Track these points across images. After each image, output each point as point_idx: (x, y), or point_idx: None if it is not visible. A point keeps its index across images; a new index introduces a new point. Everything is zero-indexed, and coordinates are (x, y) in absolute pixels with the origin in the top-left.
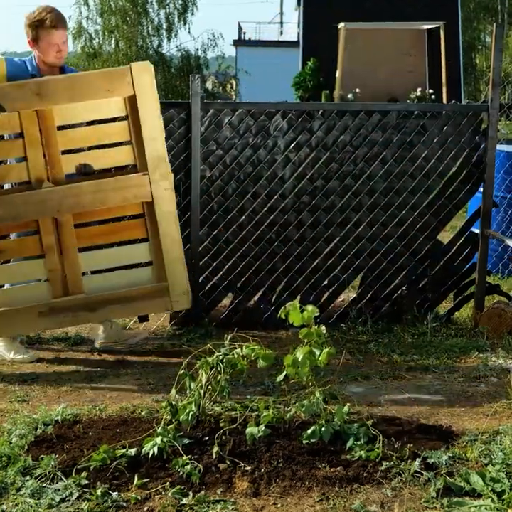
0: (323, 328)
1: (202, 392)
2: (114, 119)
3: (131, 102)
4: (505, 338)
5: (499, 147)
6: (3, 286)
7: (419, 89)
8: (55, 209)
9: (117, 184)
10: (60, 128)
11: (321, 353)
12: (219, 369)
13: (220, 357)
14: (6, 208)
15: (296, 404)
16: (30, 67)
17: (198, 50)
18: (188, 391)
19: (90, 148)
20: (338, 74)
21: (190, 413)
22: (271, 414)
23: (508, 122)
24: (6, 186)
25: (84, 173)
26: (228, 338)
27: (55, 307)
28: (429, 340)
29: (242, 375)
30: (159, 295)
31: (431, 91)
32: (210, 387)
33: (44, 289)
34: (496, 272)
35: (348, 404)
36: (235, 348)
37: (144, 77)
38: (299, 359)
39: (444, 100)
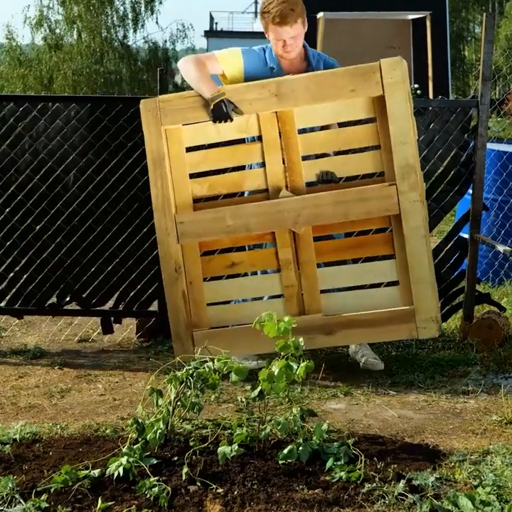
0: (301, 340)
1: (171, 408)
2: (359, 122)
3: (380, 102)
4: (496, 350)
5: (489, 146)
6: (230, 302)
7: None
8: (292, 221)
9: (361, 195)
10: (300, 131)
11: (298, 366)
12: (189, 384)
13: (190, 371)
14: (239, 218)
15: (272, 421)
16: (269, 59)
17: (166, 41)
18: (155, 408)
19: (337, 153)
20: None
21: (158, 431)
22: (245, 432)
23: (499, 119)
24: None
25: (326, 181)
26: (199, 351)
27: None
28: (414, 353)
29: (213, 390)
30: (404, 320)
31: (416, 86)
32: (179, 403)
33: (279, 307)
34: (486, 279)
35: (327, 421)
36: (206, 362)
37: (394, 75)
38: (275, 373)
39: (431, 95)
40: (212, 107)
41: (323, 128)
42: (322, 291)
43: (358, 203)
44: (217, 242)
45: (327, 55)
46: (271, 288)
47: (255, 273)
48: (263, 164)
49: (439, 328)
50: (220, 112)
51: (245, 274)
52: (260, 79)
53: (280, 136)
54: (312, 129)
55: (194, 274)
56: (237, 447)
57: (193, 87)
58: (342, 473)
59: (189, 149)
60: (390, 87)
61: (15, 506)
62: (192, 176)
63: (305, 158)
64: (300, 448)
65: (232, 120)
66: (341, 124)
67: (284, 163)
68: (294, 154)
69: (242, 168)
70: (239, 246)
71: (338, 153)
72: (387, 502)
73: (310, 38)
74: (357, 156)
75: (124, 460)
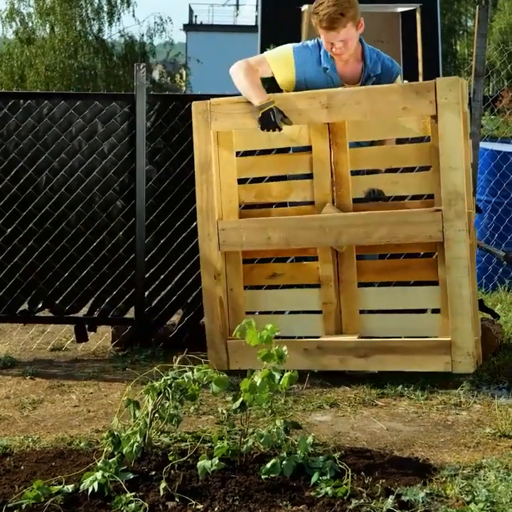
0: (284, 348)
1: (148, 420)
2: (411, 140)
3: (434, 122)
4: (489, 360)
5: (482, 145)
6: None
7: None
8: (334, 239)
9: (405, 218)
10: (353, 145)
11: (281, 376)
12: (167, 395)
13: (169, 381)
14: (279, 230)
15: (254, 434)
16: (324, 58)
17: (143, 35)
18: (132, 420)
19: (388, 170)
20: None
21: (135, 445)
22: (226, 445)
23: (492, 117)
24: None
25: (374, 198)
26: (177, 360)
27: (324, 347)
28: None
29: (193, 401)
30: (440, 352)
31: (405, 81)
32: (157, 415)
33: (316, 323)
34: (480, 285)
35: (312, 434)
36: (185, 372)
37: (449, 95)
38: (258, 384)
39: None
40: (260, 115)
41: (374, 143)
42: (361, 312)
43: (402, 226)
44: (260, 251)
45: (386, 56)
46: (310, 303)
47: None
48: (311, 176)
49: (475, 364)
50: (268, 120)
51: (286, 286)
52: (312, 79)
53: (330, 149)
54: (370, 143)
55: (235, 282)
56: (217, 461)
57: (244, 96)
58: (328, 489)
59: (239, 154)
60: (443, 107)
61: None
62: (240, 181)
63: (355, 173)
64: (284, 462)
65: (280, 130)
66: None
67: (332, 176)
68: (343, 168)
69: (284, 177)
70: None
71: (388, 170)
72: None
73: (295, 31)
74: (407, 175)
75: (99, 475)
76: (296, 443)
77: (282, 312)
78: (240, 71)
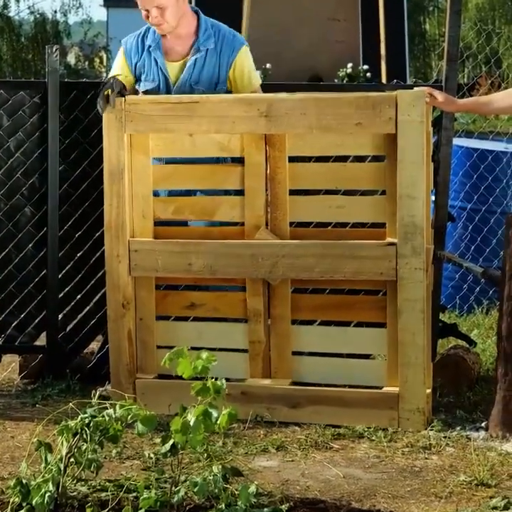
0: (223, 381)
1: (62, 466)
2: (363, 158)
3: (392, 140)
4: (464, 394)
5: (456, 141)
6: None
7: (350, 65)
8: (267, 270)
9: (353, 251)
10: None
11: (220, 414)
12: (85, 436)
13: (86, 420)
14: (203, 256)
15: (187, 482)
16: (151, 39)
17: (56, 12)
18: (43, 465)
19: (332, 192)
20: None
21: (47, 495)
22: (153, 496)
23: None
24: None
25: None
26: (97, 395)
27: (249, 392)
28: None
29: (115, 443)
30: (385, 405)
31: (366, 67)
32: (72, 460)
33: (241, 364)
34: (453, 306)
35: (255, 482)
36: (106, 408)
37: (413, 112)
38: (191, 423)
39: (384, 78)
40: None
41: (319, 160)
42: (294, 353)
43: (348, 260)
44: (178, 278)
45: (229, 29)
46: (234, 339)
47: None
48: (242, 192)
49: (426, 423)
50: (103, 86)
51: (208, 319)
52: (140, 66)
53: (267, 162)
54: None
55: (145, 311)
56: None
57: None
58: None
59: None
60: (404, 126)
61: None
62: (156, 194)
63: (294, 193)
64: None
65: (108, 102)
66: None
67: (267, 195)
68: (280, 186)
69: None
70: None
71: (334, 192)
72: None
73: (234, 9)
74: (356, 199)
75: None
76: (236, 493)
77: (200, 348)
78: None
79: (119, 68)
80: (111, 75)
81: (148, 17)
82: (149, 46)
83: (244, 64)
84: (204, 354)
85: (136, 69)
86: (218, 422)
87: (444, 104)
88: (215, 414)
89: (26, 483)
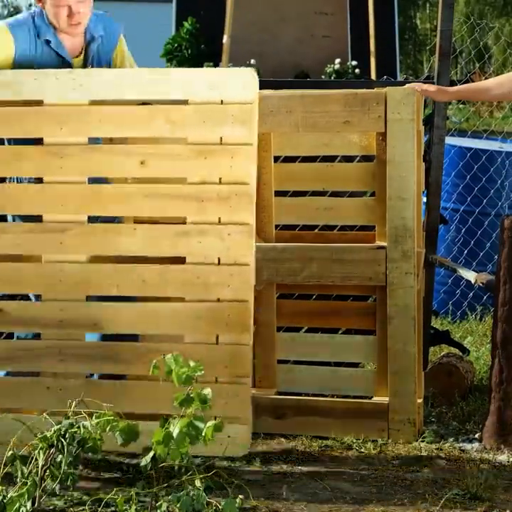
0: (208, 390)
1: (38, 479)
2: (351, 158)
3: (380, 140)
4: (457, 404)
5: (449, 140)
6: None
7: (338, 61)
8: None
9: (340, 254)
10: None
11: (205, 426)
12: (61, 448)
13: (62, 430)
14: None
15: (169, 497)
16: (42, 28)
17: (31, 6)
18: (18, 479)
19: (319, 193)
20: (225, 39)
21: (22, 509)
22: (133, 511)
23: (461, 106)
24: None
25: None
26: (73, 405)
27: None
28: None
29: (94, 455)
30: (374, 416)
31: (354, 62)
32: (48, 473)
33: None
34: (445, 313)
35: (240, 496)
36: (84, 419)
37: (403, 110)
38: (175, 435)
39: (373, 74)
40: None
41: (306, 159)
42: (279, 362)
43: (335, 264)
44: None
45: (102, 13)
46: None
47: None
48: None
49: (417, 434)
50: None
51: None
52: (33, 62)
53: None
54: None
55: None
56: None
57: None
58: None
59: None
60: (394, 124)
61: None
62: None
63: (279, 194)
64: None
65: None
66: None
67: None
68: (265, 187)
69: None
70: None
71: (320, 193)
72: None
73: (217, 7)
74: (344, 201)
75: None
76: (220, 507)
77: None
78: None
79: (0, 50)
80: None
81: (68, 15)
82: (48, 41)
83: (125, 49)
84: (191, 362)
85: (21, 60)
86: (204, 433)
87: (436, 93)
88: (200, 425)
89: (1, 498)
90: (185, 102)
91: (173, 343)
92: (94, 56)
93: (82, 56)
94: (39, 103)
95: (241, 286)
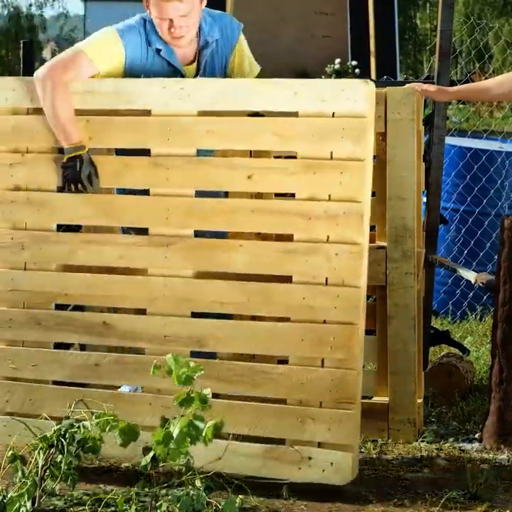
0: (207, 390)
1: (38, 479)
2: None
3: (380, 140)
4: (457, 404)
5: (449, 140)
6: None
7: (338, 61)
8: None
9: None
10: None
11: (205, 426)
12: (61, 447)
13: (62, 430)
14: None
15: (169, 496)
16: (153, 36)
17: (31, 6)
18: (18, 479)
19: None
20: None
21: (22, 509)
22: (133, 510)
23: (461, 106)
24: None
25: None
26: (73, 404)
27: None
28: None
29: (94, 455)
30: (374, 416)
31: (354, 62)
32: (48, 472)
33: None
34: (445, 313)
35: (240, 495)
36: (84, 419)
37: (402, 110)
38: (175, 436)
39: (373, 75)
40: (65, 161)
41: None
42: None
43: None
44: None
45: (216, 11)
46: None
47: None
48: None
49: (417, 434)
50: (73, 173)
51: None
52: (143, 71)
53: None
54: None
55: None
56: None
57: (50, 123)
58: None
59: None
60: (394, 124)
61: None
62: None
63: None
64: None
65: (84, 190)
66: None
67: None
68: None
69: None
70: None
71: None
72: None
73: (217, 7)
74: None
75: None
76: (220, 507)
77: None
78: (48, 88)
79: (110, 57)
80: (96, 59)
81: (169, 28)
82: (159, 50)
83: (244, 49)
84: (190, 362)
85: (132, 68)
86: (204, 433)
87: (436, 93)
88: (201, 425)
89: (1, 498)
90: (295, 114)
91: (277, 363)
92: (208, 61)
93: (194, 63)
94: (146, 113)
95: (349, 309)
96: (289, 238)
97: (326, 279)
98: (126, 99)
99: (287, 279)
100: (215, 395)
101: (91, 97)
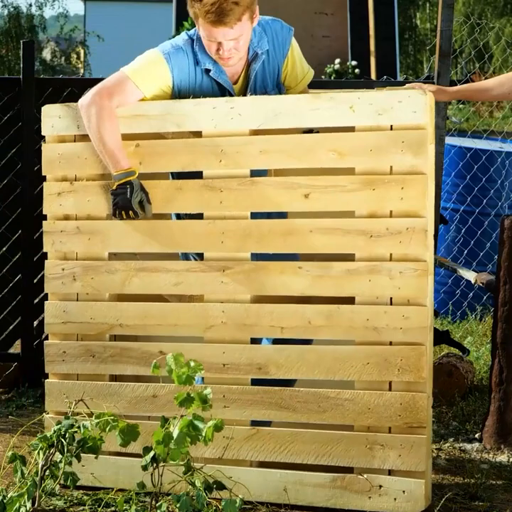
0: (208, 390)
1: (38, 479)
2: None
3: None
4: (457, 404)
5: (449, 141)
6: None
7: (338, 61)
8: None
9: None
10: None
11: (205, 426)
12: (61, 447)
13: (62, 430)
14: None
15: (169, 497)
16: (201, 54)
17: (31, 6)
18: (18, 479)
19: None
20: None
21: (22, 509)
22: (133, 510)
23: (461, 106)
24: None
25: None
26: (74, 405)
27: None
28: None
29: (94, 454)
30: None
31: (354, 62)
32: (48, 473)
33: None
34: (445, 313)
35: (240, 496)
36: (84, 419)
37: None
38: (175, 436)
39: (373, 75)
40: (114, 188)
41: None
42: None
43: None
44: None
45: (267, 18)
46: None
47: None
48: None
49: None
50: (123, 200)
51: None
52: (192, 91)
53: None
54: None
55: None
56: None
57: (97, 150)
58: None
59: None
60: None
61: None
62: None
63: None
64: None
65: (136, 216)
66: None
67: None
68: None
69: None
70: None
71: None
72: None
73: None
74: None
75: None
76: (220, 507)
77: None
78: (93, 115)
79: (156, 80)
80: (142, 84)
81: (218, 50)
82: (208, 70)
83: (296, 55)
84: (191, 361)
85: (180, 89)
86: (205, 433)
87: (436, 93)
88: (201, 425)
89: (1, 498)
90: (351, 129)
91: (343, 388)
92: (257, 75)
93: (243, 77)
94: (197, 134)
95: (416, 329)
96: (350, 257)
97: (391, 298)
98: (175, 121)
99: (350, 301)
100: (278, 424)
101: (140, 120)
